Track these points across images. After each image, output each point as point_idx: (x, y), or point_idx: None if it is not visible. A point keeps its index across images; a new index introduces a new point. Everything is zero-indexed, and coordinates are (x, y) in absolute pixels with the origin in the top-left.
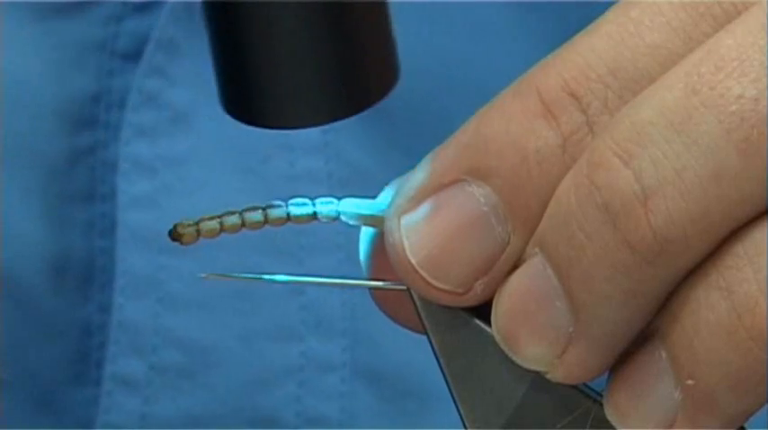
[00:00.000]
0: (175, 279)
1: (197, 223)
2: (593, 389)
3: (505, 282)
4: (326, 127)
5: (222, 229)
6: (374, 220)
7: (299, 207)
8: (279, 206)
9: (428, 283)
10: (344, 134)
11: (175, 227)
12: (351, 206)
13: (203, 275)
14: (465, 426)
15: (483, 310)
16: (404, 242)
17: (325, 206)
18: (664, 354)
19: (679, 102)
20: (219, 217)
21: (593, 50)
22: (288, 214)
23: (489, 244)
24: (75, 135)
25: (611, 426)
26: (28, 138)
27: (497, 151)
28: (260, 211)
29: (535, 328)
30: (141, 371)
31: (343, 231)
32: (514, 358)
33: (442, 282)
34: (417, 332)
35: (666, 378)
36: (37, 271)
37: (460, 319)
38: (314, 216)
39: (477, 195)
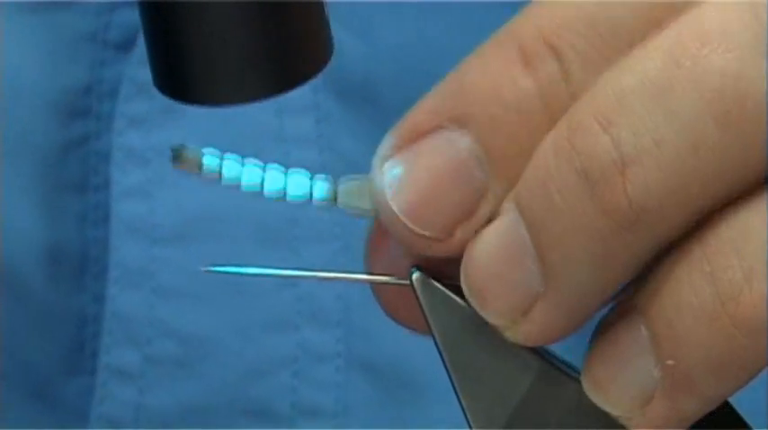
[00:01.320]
0: (169, 269)
1: (201, 158)
2: None
3: (478, 237)
4: (320, 118)
5: (219, 176)
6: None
7: (297, 186)
8: (278, 179)
9: (410, 230)
10: (338, 126)
11: (181, 153)
12: (348, 198)
13: (204, 269)
14: (468, 421)
15: None
16: (385, 188)
17: (322, 188)
18: (644, 331)
19: (661, 73)
20: (221, 161)
21: (573, 2)
22: (284, 190)
23: (469, 190)
24: (68, 125)
25: (616, 425)
26: (21, 128)
27: (477, 99)
28: (260, 172)
29: (504, 284)
30: (136, 362)
31: (340, 222)
32: (478, 310)
33: (422, 228)
34: (417, 331)
35: (646, 354)
36: (31, 261)
37: (464, 314)
38: (309, 198)
39: (457, 142)
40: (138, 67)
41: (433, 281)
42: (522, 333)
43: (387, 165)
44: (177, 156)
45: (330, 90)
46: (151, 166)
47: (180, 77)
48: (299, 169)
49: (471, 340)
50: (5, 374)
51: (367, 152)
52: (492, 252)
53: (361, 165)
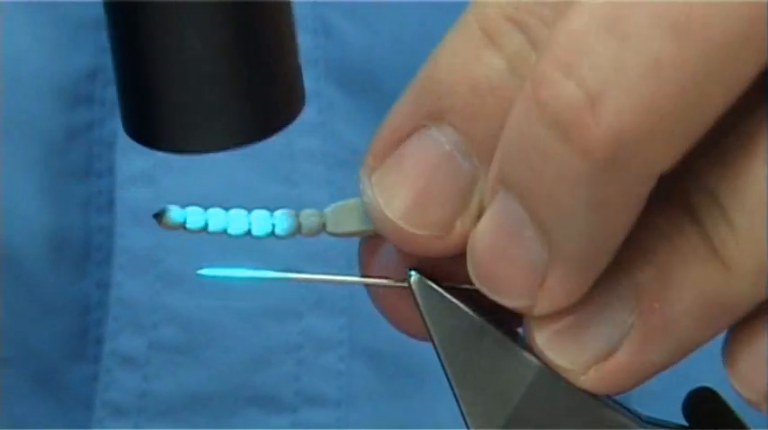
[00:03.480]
0: (174, 256)
1: (183, 223)
2: None
3: (474, 229)
4: (322, 107)
5: (206, 232)
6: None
7: (283, 222)
8: (264, 218)
9: (410, 234)
10: (340, 114)
11: (161, 222)
12: (337, 222)
13: (200, 272)
14: (466, 422)
15: (485, 306)
16: (377, 199)
17: (310, 219)
18: (623, 280)
19: (607, 4)
20: (205, 227)
21: None
22: (272, 231)
23: (459, 181)
24: (72, 112)
25: (615, 426)
26: (25, 115)
27: (448, 89)
28: (246, 218)
29: (510, 263)
30: (141, 349)
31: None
32: (497, 299)
33: (422, 229)
34: (415, 337)
35: (624, 302)
36: (35, 247)
37: (462, 316)
38: (298, 229)
39: (439, 137)
40: None
41: (430, 283)
42: (546, 306)
43: (374, 177)
44: (159, 220)
45: (332, 79)
46: (155, 153)
47: (150, 123)
48: (283, 209)
49: (469, 342)
50: (9, 361)
51: (369, 140)
52: (490, 235)
53: (364, 153)
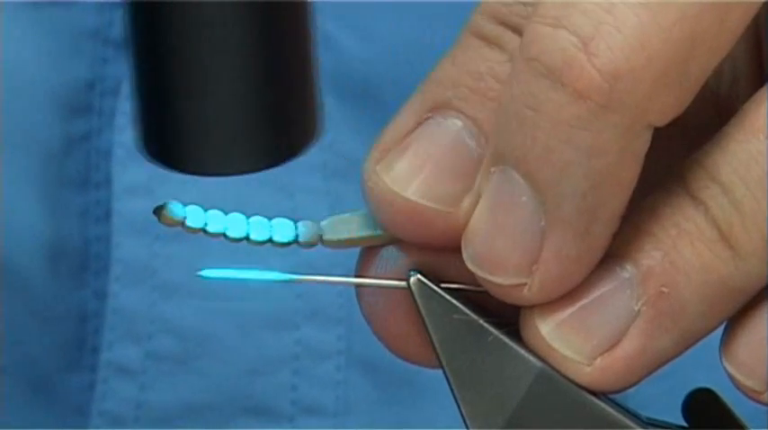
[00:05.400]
0: (171, 266)
1: (183, 220)
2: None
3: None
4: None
5: (204, 233)
6: (361, 240)
7: (282, 230)
8: (263, 224)
9: (419, 208)
10: (338, 125)
11: (160, 216)
12: (334, 231)
13: (202, 273)
14: (466, 424)
15: (484, 307)
16: (384, 180)
17: (307, 231)
18: (629, 267)
19: None
20: (204, 227)
21: None
22: (270, 238)
23: (466, 159)
24: (69, 122)
25: (615, 426)
26: (24, 124)
27: (451, 82)
28: (245, 223)
29: (506, 235)
30: (137, 359)
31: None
32: (491, 279)
33: (431, 201)
34: (415, 362)
35: (630, 288)
36: (32, 256)
37: (462, 318)
38: (296, 238)
39: (444, 122)
40: None
41: (430, 284)
42: (539, 285)
43: (380, 165)
44: (159, 215)
45: (330, 89)
46: (152, 164)
47: (167, 143)
48: (281, 218)
49: (469, 343)
50: (6, 369)
51: (367, 151)
52: (485, 211)
53: (362, 164)
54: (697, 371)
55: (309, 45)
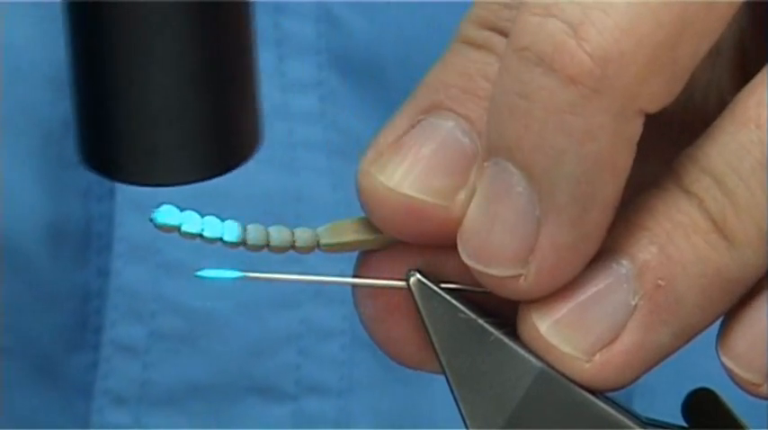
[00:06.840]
0: (174, 245)
1: (178, 227)
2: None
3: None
4: (324, 96)
5: (201, 238)
6: (358, 244)
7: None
8: (258, 231)
9: (415, 202)
10: (342, 103)
11: (156, 224)
12: (331, 235)
13: (199, 274)
14: (466, 424)
15: (484, 307)
16: (379, 178)
17: (305, 234)
18: (625, 262)
19: None
20: (200, 234)
21: None
22: (268, 243)
23: (460, 154)
24: (69, 101)
25: (615, 426)
26: (23, 104)
27: (443, 85)
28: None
29: (501, 226)
30: (141, 337)
31: (343, 200)
32: (486, 271)
33: (427, 195)
34: (413, 367)
35: (627, 283)
36: (35, 236)
37: (461, 317)
38: (293, 243)
39: (437, 121)
40: None
41: (430, 283)
42: (535, 276)
43: (375, 166)
44: (154, 223)
45: (335, 68)
46: None
47: (107, 153)
48: (278, 224)
49: (469, 343)
50: (9, 349)
51: (371, 129)
52: (480, 204)
53: (365, 143)
54: (699, 365)
55: (251, 52)
